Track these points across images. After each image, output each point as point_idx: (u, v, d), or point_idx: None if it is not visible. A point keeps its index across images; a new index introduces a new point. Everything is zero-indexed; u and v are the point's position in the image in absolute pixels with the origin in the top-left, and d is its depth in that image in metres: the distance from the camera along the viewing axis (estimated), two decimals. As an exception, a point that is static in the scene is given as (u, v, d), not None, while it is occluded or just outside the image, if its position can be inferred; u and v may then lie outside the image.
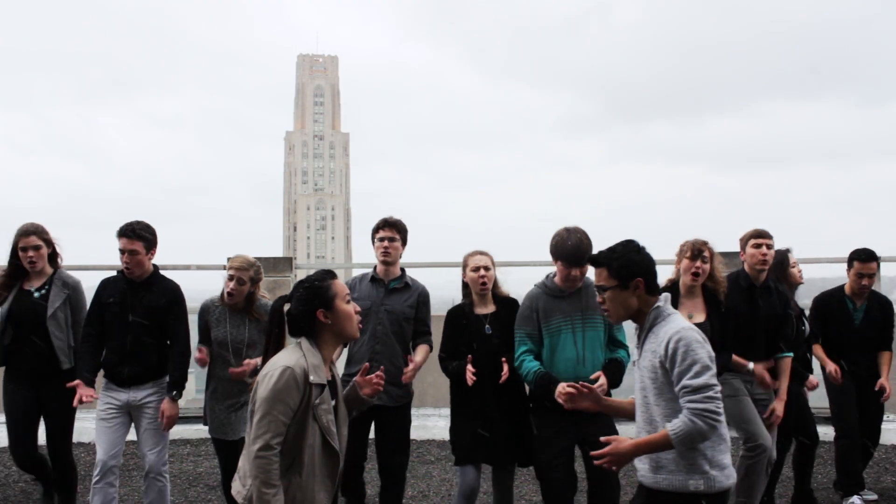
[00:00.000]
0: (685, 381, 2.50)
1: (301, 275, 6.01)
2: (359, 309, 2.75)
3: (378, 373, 2.87)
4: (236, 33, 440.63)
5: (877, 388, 4.66)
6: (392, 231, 4.25)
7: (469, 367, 3.78)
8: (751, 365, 4.17)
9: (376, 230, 4.30)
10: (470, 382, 3.74)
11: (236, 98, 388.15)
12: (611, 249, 2.73)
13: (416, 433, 6.55)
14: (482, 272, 3.98)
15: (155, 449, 4.15)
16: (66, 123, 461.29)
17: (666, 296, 2.70)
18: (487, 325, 3.97)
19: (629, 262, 2.67)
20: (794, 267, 4.63)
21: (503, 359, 3.82)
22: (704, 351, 2.54)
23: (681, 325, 2.60)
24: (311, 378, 2.54)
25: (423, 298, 4.33)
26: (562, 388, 2.91)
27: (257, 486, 2.47)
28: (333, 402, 2.67)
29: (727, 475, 2.58)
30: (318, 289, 2.64)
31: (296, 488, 2.55)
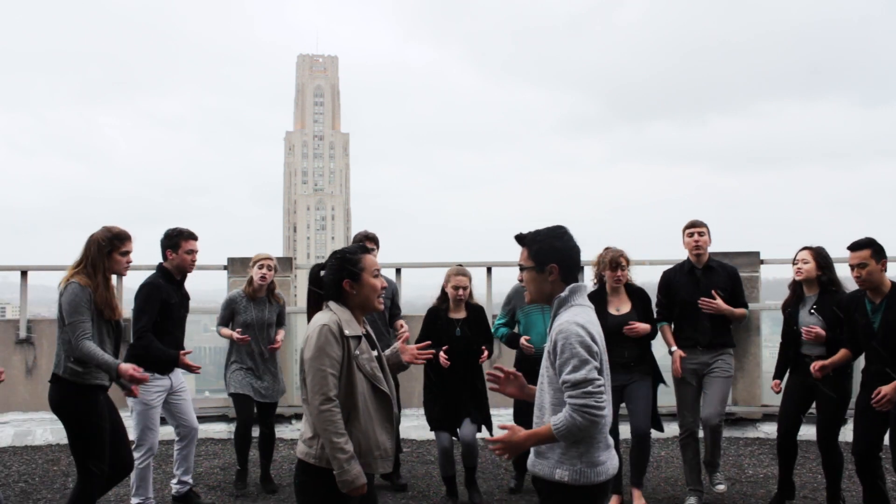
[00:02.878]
0: (564, 376, 2.53)
1: (301, 275, 6.08)
2: (385, 285, 2.96)
3: (425, 351, 3.14)
4: (236, 33, 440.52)
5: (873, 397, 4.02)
6: (372, 243, 5.39)
7: (442, 354, 4.79)
8: (673, 348, 4.93)
9: (361, 241, 5.33)
10: (445, 365, 4.80)
11: (236, 98, 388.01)
12: (536, 232, 2.76)
13: (416, 433, 6.61)
14: (461, 292, 4.99)
15: (194, 413, 4.90)
16: (66, 123, 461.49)
17: (573, 286, 2.68)
18: (458, 328, 4.98)
19: (549, 247, 2.69)
20: (795, 264, 4.71)
21: (483, 347, 4.97)
22: (583, 346, 2.52)
23: (569, 317, 2.59)
24: (346, 331, 2.73)
25: (394, 289, 5.67)
26: (524, 341, 4.49)
27: (328, 437, 2.66)
28: (375, 353, 2.87)
29: (598, 472, 2.59)
30: (348, 260, 2.84)
31: (358, 434, 2.73)
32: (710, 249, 5.08)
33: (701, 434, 4.97)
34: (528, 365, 4.74)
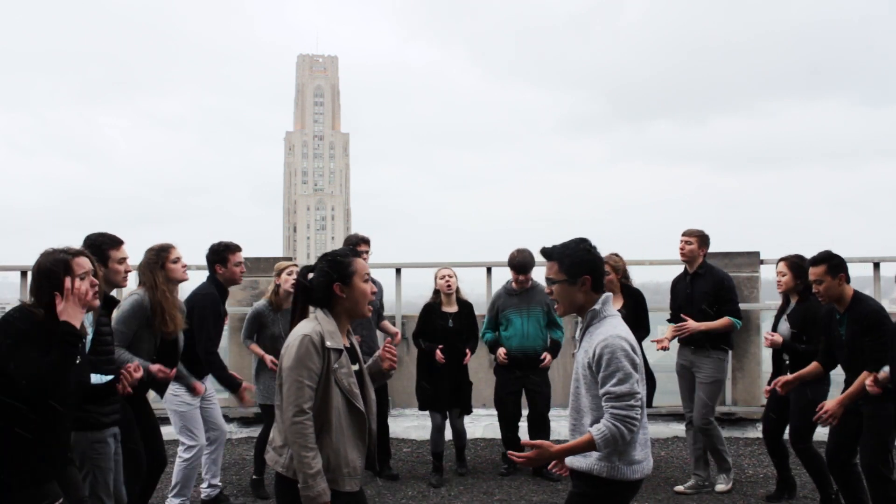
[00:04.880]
0: (608, 388, 2.64)
1: (301, 275, 6.10)
2: (375, 290, 2.84)
3: (387, 346, 3.03)
4: (236, 33, 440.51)
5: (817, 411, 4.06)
6: (367, 245, 5.62)
7: (438, 352, 5.44)
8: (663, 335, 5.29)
9: (356, 244, 5.54)
10: (441, 361, 5.44)
11: (237, 98, 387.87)
12: (564, 245, 2.83)
13: (416, 433, 6.64)
14: (448, 279, 5.63)
15: (222, 417, 4.96)
16: (66, 123, 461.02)
17: (606, 296, 2.81)
18: (451, 320, 5.58)
19: (580, 259, 2.78)
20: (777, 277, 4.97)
21: (466, 349, 5.56)
22: (629, 360, 2.66)
23: (612, 331, 2.71)
24: (328, 343, 2.66)
25: (382, 291, 5.91)
26: (500, 353, 5.50)
27: (296, 450, 2.59)
28: (356, 367, 2.80)
29: (634, 470, 2.72)
30: (339, 263, 2.76)
31: (328, 449, 2.66)
32: (712, 250, 5.43)
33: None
34: (504, 367, 5.56)
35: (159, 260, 4.21)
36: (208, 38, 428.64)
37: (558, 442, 2.85)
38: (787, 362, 4.79)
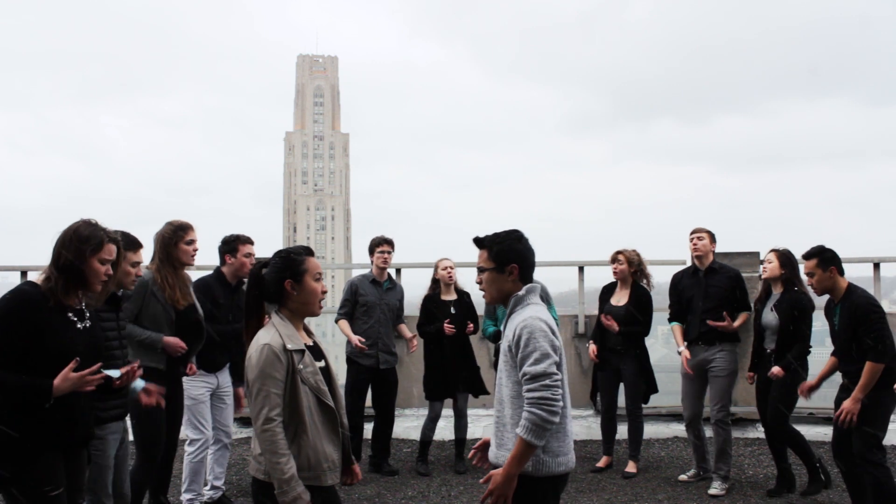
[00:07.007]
0: (525, 368, 2.61)
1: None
2: (326, 290, 2.88)
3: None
4: (237, 32, 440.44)
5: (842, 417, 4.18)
6: (389, 246, 5.81)
7: (447, 325, 5.57)
8: (680, 348, 5.36)
9: (378, 244, 5.78)
10: (450, 333, 5.56)
11: (238, 98, 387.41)
12: (495, 234, 2.85)
13: (416, 434, 6.61)
14: (449, 270, 5.80)
15: (232, 420, 4.94)
16: (67, 123, 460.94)
17: (529, 286, 2.79)
18: (453, 308, 5.77)
19: (508, 248, 2.79)
20: (762, 263, 5.19)
21: (469, 322, 5.73)
22: (547, 340, 2.63)
23: (531, 313, 2.69)
24: (288, 346, 2.68)
25: (403, 295, 6.09)
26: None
27: (268, 458, 2.61)
28: (322, 364, 2.82)
29: (559, 462, 2.67)
30: (291, 261, 2.78)
31: (307, 449, 2.68)
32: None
33: (709, 433, 5.42)
34: None
35: (175, 237, 4.26)
36: (209, 37, 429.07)
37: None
38: (769, 351, 5.00)
